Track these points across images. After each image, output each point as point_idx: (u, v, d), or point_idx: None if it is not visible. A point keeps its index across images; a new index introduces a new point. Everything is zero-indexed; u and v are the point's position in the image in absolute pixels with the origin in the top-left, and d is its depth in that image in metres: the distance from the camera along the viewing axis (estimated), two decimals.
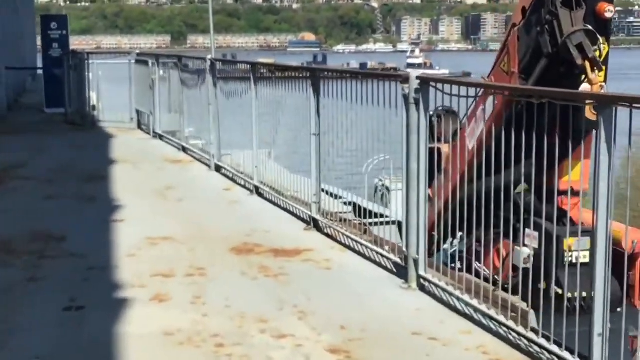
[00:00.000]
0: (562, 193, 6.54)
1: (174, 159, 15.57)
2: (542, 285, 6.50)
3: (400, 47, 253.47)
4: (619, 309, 7.15)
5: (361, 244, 8.47)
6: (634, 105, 4.92)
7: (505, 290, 6.52)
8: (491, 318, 6.24)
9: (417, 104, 7.26)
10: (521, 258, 7.12)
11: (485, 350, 5.85)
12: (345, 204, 9.92)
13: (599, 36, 8.27)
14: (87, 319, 6.63)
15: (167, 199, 11.69)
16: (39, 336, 6.25)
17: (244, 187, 12.30)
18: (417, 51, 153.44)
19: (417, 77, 7.30)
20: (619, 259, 5.61)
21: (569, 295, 7.36)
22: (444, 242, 8.56)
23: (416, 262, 7.34)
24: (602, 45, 8.36)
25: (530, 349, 5.78)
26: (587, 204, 6.60)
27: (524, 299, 6.06)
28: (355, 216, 9.56)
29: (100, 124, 21.05)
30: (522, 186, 8.00)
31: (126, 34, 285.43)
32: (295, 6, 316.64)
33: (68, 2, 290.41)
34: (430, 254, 7.63)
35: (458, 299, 6.69)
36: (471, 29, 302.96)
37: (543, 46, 8.53)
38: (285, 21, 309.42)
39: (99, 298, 7.16)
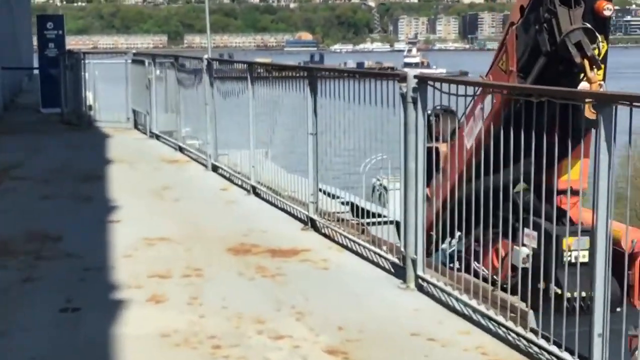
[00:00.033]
0: (561, 192, 6.51)
1: (170, 158, 15.53)
2: (542, 285, 6.47)
3: (397, 46, 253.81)
4: (618, 309, 7.11)
5: (359, 244, 8.43)
6: (634, 103, 4.88)
7: (504, 290, 6.49)
8: (490, 318, 6.20)
9: (414, 103, 7.22)
10: (520, 258, 7.09)
11: (484, 351, 5.81)
12: (342, 203, 9.89)
13: (597, 34, 8.25)
14: (83, 319, 6.59)
15: (164, 199, 11.65)
16: (34, 337, 6.20)
17: (240, 187, 12.26)
18: (414, 50, 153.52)
19: (415, 76, 7.26)
20: (618, 259, 5.57)
21: (568, 295, 7.33)
22: (442, 242, 8.54)
23: (414, 262, 7.30)
24: (601, 44, 8.34)
25: (530, 350, 5.74)
26: (586, 203, 6.57)
27: (523, 299, 6.03)
28: (353, 216, 9.52)
29: (96, 123, 20.99)
30: (521, 185, 7.97)
31: (123, 34, 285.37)
32: (292, 5, 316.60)
33: (64, 2, 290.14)
34: (428, 254, 7.60)
35: (457, 299, 6.65)
36: (468, 28, 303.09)
37: (541, 44, 8.51)
38: (282, 21, 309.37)
39: (95, 299, 7.11)
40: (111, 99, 21.74)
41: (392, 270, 7.75)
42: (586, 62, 8.14)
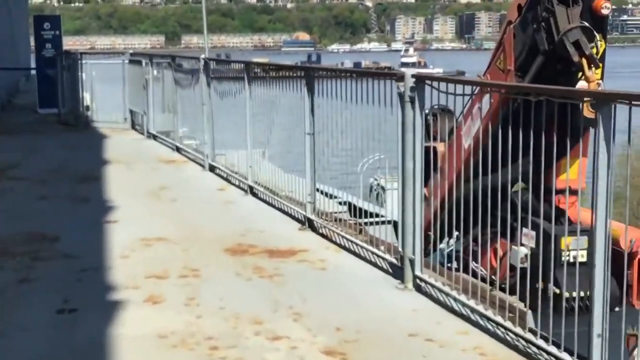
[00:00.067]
0: (560, 192, 6.49)
1: (167, 159, 15.50)
2: (540, 285, 6.44)
3: (394, 46, 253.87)
4: (617, 309, 7.10)
5: (356, 244, 8.41)
6: (633, 102, 4.86)
7: (502, 290, 6.47)
8: (488, 319, 6.18)
9: (412, 102, 7.20)
10: (518, 257, 7.07)
11: (483, 352, 5.79)
12: (340, 203, 9.87)
13: (595, 33, 8.23)
14: (80, 320, 6.56)
15: (161, 199, 11.62)
16: (31, 338, 6.18)
17: (238, 187, 12.23)
18: (411, 50, 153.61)
19: (413, 75, 7.24)
20: (616, 259, 5.55)
21: (567, 294, 7.32)
22: (440, 242, 8.52)
23: (412, 262, 7.28)
24: (598, 42, 8.32)
25: (529, 350, 5.72)
26: (584, 203, 6.55)
27: (522, 299, 6.01)
28: (351, 216, 9.51)
29: (93, 124, 20.96)
30: (520, 185, 7.95)
31: (120, 35, 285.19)
32: (289, 6, 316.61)
33: (62, 3, 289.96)
34: (426, 254, 7.57)
35: (455, 299, 6.63)
36: (465, 27, 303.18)
37: (539, 43, 8.49)
38: (280, 21, 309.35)
39: (92, 300, 7.09)
40: (108, 99, 21.69)
41: (390, 270, 7.72)
42: (584, 61, 8.13)
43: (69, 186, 12.59)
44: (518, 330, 5.84)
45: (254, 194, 11.53)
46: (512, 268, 8.01)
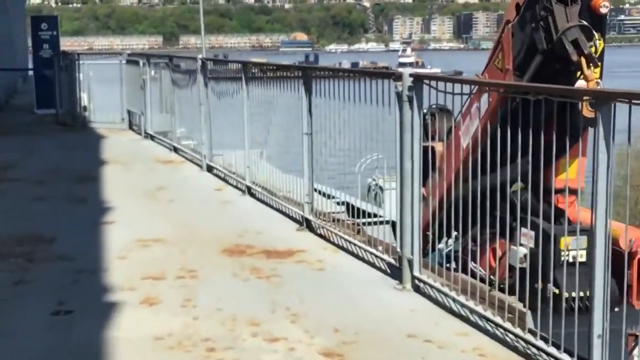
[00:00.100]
0: (559, 191, 6.45)
1: (165, 159, 15.46)
2: (539, 285, 6.40)
3: (392, 46, 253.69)
4: (616, 309, 7.06)
5: (354, 245, 8.37)
6: (633, 101, 4.82)
7: (501, 290, 6.43)
8: (488, 319, 6.14)
9: (410, 101, 7.16)
10: (517, 258, 7.03)
11: (482, 353, 5.75)
12: (338, 203, 9.83)
13: (594, 32, 8.19)
14: (76, 322, 6.52)
15: (159, 199, 11.58)
16: (26, 341, 6.15)
17: (235, 187, 12.20)
18: (409, 50, 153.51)
19: (411, 75, 7.20)
20: (616, 258, 5.52)
21: (566, 295, 7.28)
22: (439, 242, 8.48)
23: (410, 262, 7.24)
24: (597, 41, 8.28)
25: (528, 351, 5.68)
26: (583, 202, 6.51)
27: (521, 299, 5.97)
28: (349, 216, 9.47)
29: (91, 124, 20.91)
30: (519, 184, 7.92)
31: (118, 35, 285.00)
32: (287, 6, 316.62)
33: (59, 4, 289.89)
34: (424, 254, 7.54)
35: (453, 300, 6.59)
36: (463, 27, 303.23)
37: (538, 42, 8.46)
38: (277, 21, 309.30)
39: (88, 301, 7.04)
40: (106, 99, 21.67)
41: (388, 270, 7.69)
42: (583, 60, 8.09)
43: (66, 187, 12.55)
44: (517, 331, 5.80)
45: (252, 195, 11.50)
46: (511, 268, 7.97)
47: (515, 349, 5.78)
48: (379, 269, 7.85)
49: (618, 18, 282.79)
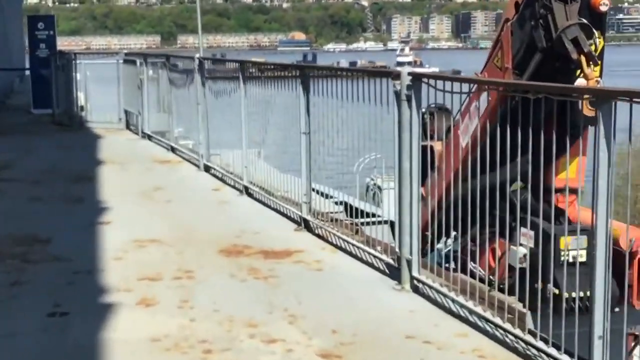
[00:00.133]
0: (559, 191, 6.40)
1: (162, 159, 15.42)
2: (539, 286, 6.35)
3: (390, 45, 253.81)
4: (616, 309, 7.01)
5: (353, 245, 8.33)
6: (633, 99, 4.77)
7: (501, 291, 6.38)
8: (487, 320, 6.09)
9: (409, 100, 7.12)
10: (517, 258, 6.98)
11: (482, 354, 5.71)
12: (336, 203, 9.77)
13: (594, 30, 8.15)
14: (72, 324, 6.47)
15: (155, 200, 11.53)
16: (22, 342, 6.11)
17: (233, 187, 12.16)
18: (407, 49, 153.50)
19: (409, 74, 7.16)
20: (616, 258, 5.47)
21: (567, 295, 7.23)
22: (438, 242, 8.42)
23: (409, 262, 7.20)
24: (597, 40, 8.23)
25: (528, 352, 5.64)
26: (582, 202, 6.46)
27: (521, 300, 5.92)
28: (347, 216, 9.42)
29: (88, 124, 20.90)
30: (518, 184, 7.87)
31: (116, 35, 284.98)
32: (285, 5, 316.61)
33: (57, 3, 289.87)
34: (423, 254, 7.49)
35: (453, 300, 6.55)
36: (461, 26, 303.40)
37: (537, 41, 8.41)
38: (275, 20, 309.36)
39: (84, 303, 6.99)
40: (103, 99, 21.67)
41: (387, 271, 7.64)
42: (583, 59, 8.03)
43: (63, 187, 12.50)
44: (517, 331, 5.75)
45: (249, 194, 11.45)
46: (511, 268, 7.92)
47: (515, 350, 5.74)
48: (378, 269, 7.80)
49: (617, 17, 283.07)
